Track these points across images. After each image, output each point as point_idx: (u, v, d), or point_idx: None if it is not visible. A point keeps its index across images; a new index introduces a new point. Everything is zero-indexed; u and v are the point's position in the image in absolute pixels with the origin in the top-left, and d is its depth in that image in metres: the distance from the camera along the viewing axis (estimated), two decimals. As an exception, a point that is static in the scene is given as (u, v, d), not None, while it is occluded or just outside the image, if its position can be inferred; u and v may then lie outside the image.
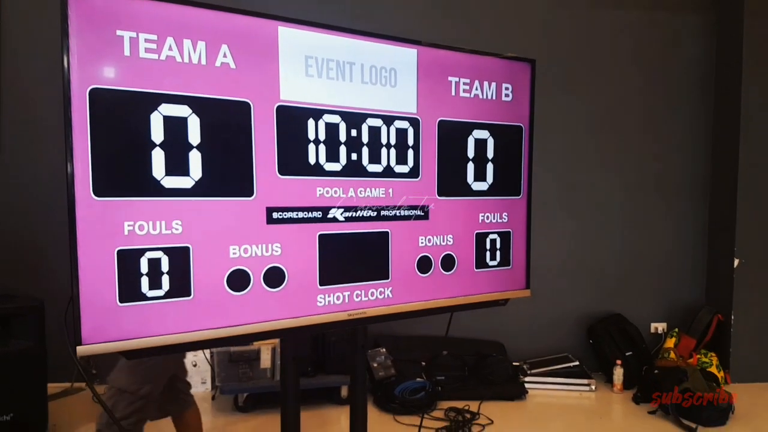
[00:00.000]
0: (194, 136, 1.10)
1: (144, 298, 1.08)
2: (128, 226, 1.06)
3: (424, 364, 3.69)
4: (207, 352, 3.49)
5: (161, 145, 1.07)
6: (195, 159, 1.10)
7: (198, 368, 3.51)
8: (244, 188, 1.16)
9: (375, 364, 3.47)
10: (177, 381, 2.19)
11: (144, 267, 1.07)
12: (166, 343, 1.11)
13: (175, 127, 1.08)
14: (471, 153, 1.44)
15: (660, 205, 3.95)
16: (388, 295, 1.41)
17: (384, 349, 3.67)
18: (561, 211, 3.87)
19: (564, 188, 3.88)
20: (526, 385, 3.56)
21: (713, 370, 3.49)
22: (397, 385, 3.39)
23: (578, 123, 3.87)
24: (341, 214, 1.31)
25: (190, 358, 3.50)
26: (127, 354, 1.09)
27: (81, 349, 1.03)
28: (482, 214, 1.50)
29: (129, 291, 1.06)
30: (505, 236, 1.55)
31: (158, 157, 1.07)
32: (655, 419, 3.16)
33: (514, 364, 3.74)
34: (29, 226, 3.56)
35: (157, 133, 1.06)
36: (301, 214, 1.25)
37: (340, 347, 3.28)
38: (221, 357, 3.21)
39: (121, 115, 1.02)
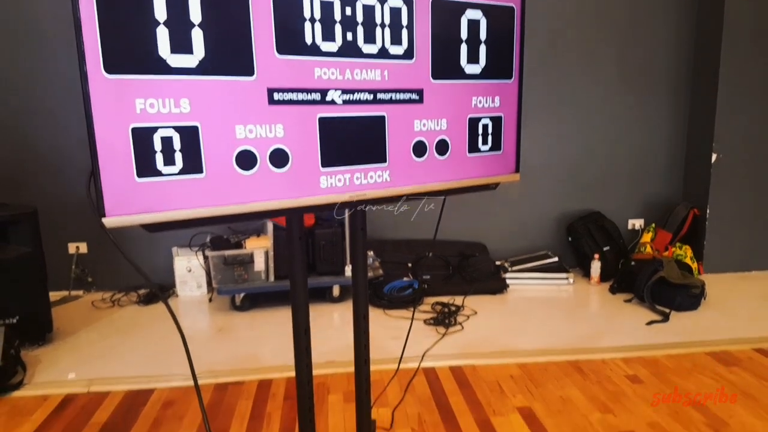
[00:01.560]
0: (195, 14, 1.11)
1: (159, 174, 1.13)
2: (140, 104, 1.09)
3: (410, 265, 3.84)
4: (201, 258, 3.59)
5: (165, 23, 1.09)
6: (197, 37, 1.12)
7: (193, 273, 3.62)
8: (245, 67, 1.19)
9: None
10: None
11: (157, 144, 1.11)
12: (183, 218, 1.17)
13: (176, 4, 1.09)
14: (464, 34, 1.46)
15: (640, 103, 4.01)
16: (386, 178, 1.47)
17: (371, 252, 3.80)
18: (540, 111, 3.91)
19: (543, 86, 3.90)
20: (508, 281, 3.74)
21: (687, 261, 3.69)
22: (386, 285, 3.54)
23: (559, 17, 3.83)
24: (339, 96, 1.34)
25: (185, 263, 3.60)
26: (148, 227, 1.15)
27: (106, 221, 1.08)
28: (475, 98, 1.55)
29: (145, 167, 1.11)
30: (496, 121, 1.60)
31: (163, 35, 1.08)
32: (631, 306, 3.37)
33: (496, 263, 3.91)
34: (10, 141, 3.52)
35: (160, 11, 1.08)
36: (300, 96, 1.29)
37: (328, 250, 3.39)
38: (217, 261, 3.31)
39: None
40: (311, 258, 3.43)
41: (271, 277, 3.36)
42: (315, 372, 2.16)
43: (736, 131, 3.80)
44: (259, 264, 3.34)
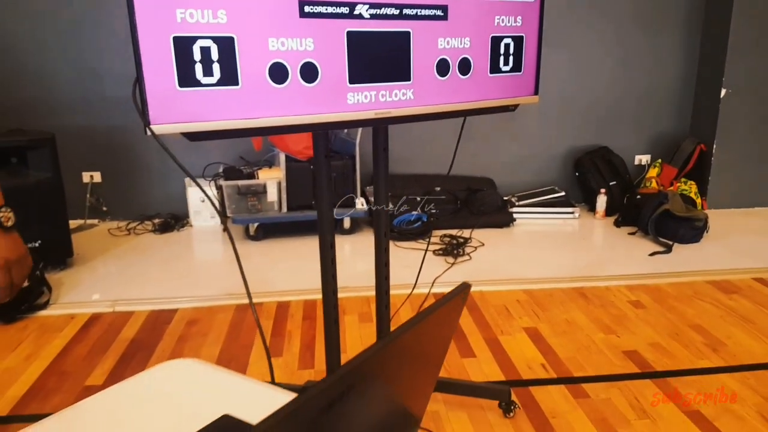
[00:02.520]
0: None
1: (199, 84, 1.17)
2: (180, 13, 1.12)
3: (418, 199, 3.90)
4: (214, 187, 3.65)
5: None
6: (232, -53, 1.14)
7: (206, 203, 3.69)
8: (279, -23, 1.21)
9: (372, 199, 3.66)
10: None
11: (197, 54, 1.15)
12: (221, 128, 1.22)
13: None
14: (490, -48, 1.47)
15: (651, 39, 3.97)
16: (410, 96, 1.51)
17: (382, 184, 3.84)
18: (549, 46, 3.88)
19: (555, 21, 3.86)
20: (514, 215, 3.81)
21: (692, 196, 3.75)
22: (395, 218, 3.61)
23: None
24: (366, 10, 1.36)
25: (198, 194, 3.66)
26: (189, 136, 1.20)
27: (155, 129, 1.13)
28: (498, 17, 1.56)
29: (186, 76, 1.14)
30: (518, 41, 1.62)
31: (199, -56, 1.11)
32: (635, 238, 3.46)
33: (503, 197, 3.97)
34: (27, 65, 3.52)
35: None
36: (329, 9, 1.31)
37: (339, 182, 3.45)
38: (230, 190, 3.37)
39: None
40: (323, 189, 3.48)
41: (284, 208, 3.42)
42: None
43: (746, 68, 3.78)
44: (272, 195, 3.40)
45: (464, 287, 0.52)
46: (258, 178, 3.40)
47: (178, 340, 2.31)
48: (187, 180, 3.73)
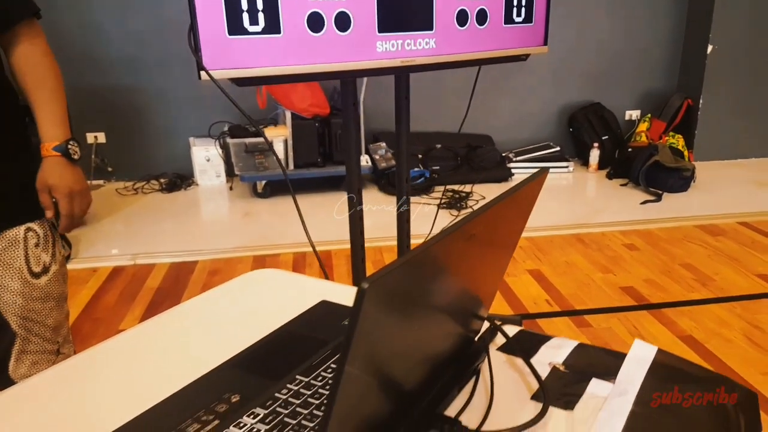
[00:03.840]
0: None
1: (246, 32, 1.26)
2: (229, -38, 1.21)
3: (420, 156, 4.01)
4: (219, 147, 3.73)
5: None
6: None
7: (211, 162, 3.77)
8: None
9: (377, 157, 3.77)
10: None
11: (244, 3, 1.24)
12: (265, 74, 1.32)
13: None
14: None
15: (644, -4, 4.07)
16: (432, 45, 1.61)
17: (384, 144, 3.96)
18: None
19: (554, -20, 3.94)
20: (512, 170, 3.95)
21: (679, 149, 3.90)
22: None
23: None
24: (394, -39, 1.46)
25: (203, 153, 3.74)
26: (237, 81, 1.30)
27: (204, 74, 1.23)
28: (513, -31, 1.67)
29: (234, 24, 1.24)
30: (530, -7, 1.73)
31: None
32: (627, 189, 3.62)
33: (501, 154, 4.10)
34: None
35: None
36: (363, -38, 1.41)
37: (345, 139, 3.54)
38: (238, 148, 3.45)
39: None
40: (327, 147, 3.59)
41: (291, 166, 3.52)
42: (341, 247, 2.38)
43: (732, 25, 3.91)
44: (279, 152, 3.49)
45: (543, 171, 0.64)
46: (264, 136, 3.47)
47: (202, 288, 2.43)
48: (192, 139, 3.80)
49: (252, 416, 0.58)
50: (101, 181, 3.88)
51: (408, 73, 1.77)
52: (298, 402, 0.60)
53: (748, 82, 4.06)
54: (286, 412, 0.58)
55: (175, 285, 2.48)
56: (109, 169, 3.86)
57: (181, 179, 3.78)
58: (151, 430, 0.58)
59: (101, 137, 3.80)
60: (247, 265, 2.64)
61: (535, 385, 0.65)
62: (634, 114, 4.30)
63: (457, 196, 3.53)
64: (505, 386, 0.65)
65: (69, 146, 1.06)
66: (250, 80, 1.33)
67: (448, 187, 3.72)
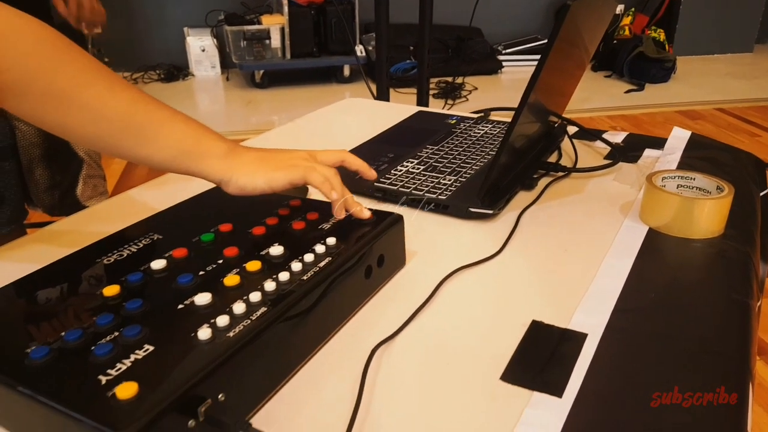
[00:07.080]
0: None
1: None
2: None
3: (411, 48, 4.08)
4: (213, 36, 3.73)
5: None
6: None
7: (206, 53, 3.78)
8: None
9: (369, 47, 3.82)
10: None
11: None
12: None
13: None
14: None
15: None
16: None
17: (374, 35, 4.00)
18: None
19: None
20: (502, 62, 4.07)
21: (661, 40, 4.06)
22: (391, 66, 3.81)
23: None
24: None
25: (198, 43, 3.74)
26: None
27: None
28: None
29: None
30: None
31: None
32: (611, 80, 3.80)
33: (492, 46, 4.20)
34: None
35: None
36: None
37: (340, 28, 3.57)
38: (235, 36, 3.47)
39: None
40: (322, 37, 3.62)
41: (288, 55, 3.56)
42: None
43: None
44: (276, 41, 3.52)
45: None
46: (261, 24, 3.49)
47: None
48: (186, 29, 3.78)
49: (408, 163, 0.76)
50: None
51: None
52: (438, 155, 0.78)
53: (729, -23, 4.18)
54: (433, 160, 0.76)
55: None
56: (106, 59, 3.82)
57: (177, 70, 3.80)
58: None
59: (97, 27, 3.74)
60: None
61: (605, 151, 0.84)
62: (618, 8, 4.40)
63: (449, 87, 3.66)
64: (582, 155, 0.84)
65: None
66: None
67: (440, 79, 3.83)
